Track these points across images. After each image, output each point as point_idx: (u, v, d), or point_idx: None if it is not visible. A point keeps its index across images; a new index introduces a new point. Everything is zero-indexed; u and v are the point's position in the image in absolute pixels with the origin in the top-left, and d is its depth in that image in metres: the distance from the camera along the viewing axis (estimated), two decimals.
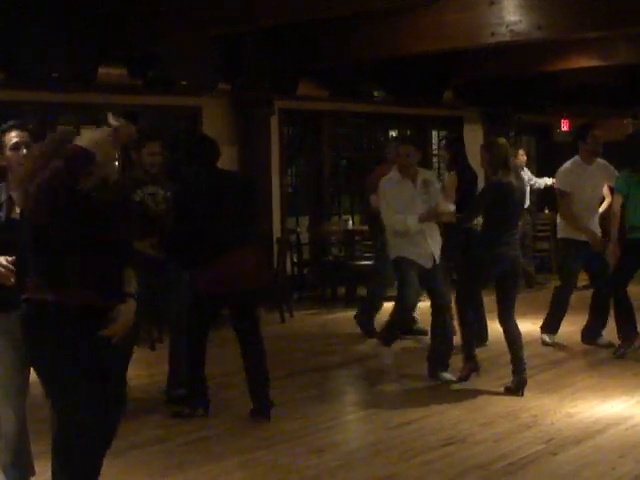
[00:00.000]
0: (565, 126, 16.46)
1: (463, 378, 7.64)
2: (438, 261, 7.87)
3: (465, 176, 9.30)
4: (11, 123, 5.17)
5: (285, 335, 10.15)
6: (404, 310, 8.14)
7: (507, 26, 9.67)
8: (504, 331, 7.50)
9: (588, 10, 9.27)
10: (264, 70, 11.63)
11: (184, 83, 11.20)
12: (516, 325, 7.46)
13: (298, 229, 12.72)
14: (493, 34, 9.80)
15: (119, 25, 9.80)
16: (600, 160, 9.00)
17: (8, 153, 4.98)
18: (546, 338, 9.08)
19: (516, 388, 7.28)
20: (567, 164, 9.05)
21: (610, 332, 8.90)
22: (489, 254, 7.42)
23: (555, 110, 16.08)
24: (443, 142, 13.79)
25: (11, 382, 4.88)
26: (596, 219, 9.00)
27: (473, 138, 15.33)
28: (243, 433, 6.39)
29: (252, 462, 5.78)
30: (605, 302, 8.94)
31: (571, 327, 9.23)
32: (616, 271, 8.80)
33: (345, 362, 8.42)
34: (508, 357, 8.32)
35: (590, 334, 9.00)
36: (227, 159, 11.83)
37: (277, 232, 12.20)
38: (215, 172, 6.93)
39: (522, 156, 12.48)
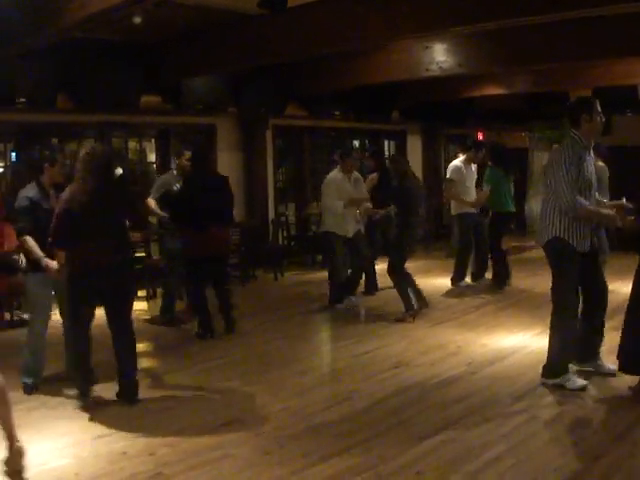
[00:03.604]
0: (480, 137, 16.35)
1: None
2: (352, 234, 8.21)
3: (383, 177, 9.14)
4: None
5: (277, 289, 10.10)
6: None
7: (437, 64, 9.62)
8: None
9: (495, 52, 9.21)
10: (261, 97, 11.51)
11: (202, 107, 11.16)
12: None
13: (287, 213, 12.61)
14: (427, 70, 9.74)
15: (157, 66, 9.80)
16: (473, 165, 9.58)
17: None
18: (460, 284, 9.40)
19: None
20: (456, 162, 9.59)
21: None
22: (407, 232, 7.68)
23: (473, 125, 16.00)
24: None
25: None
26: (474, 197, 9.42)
27: (413, 146, 15.32)
28: (246, 361, 6.35)
29: (253, 382, 5.74)
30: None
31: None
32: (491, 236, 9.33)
33: (320, 309, 8.36)
34: (439, 305, 8.32)
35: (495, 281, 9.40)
36: (235, 162, 11.76)
37: (272, 215, 12.09)
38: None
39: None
